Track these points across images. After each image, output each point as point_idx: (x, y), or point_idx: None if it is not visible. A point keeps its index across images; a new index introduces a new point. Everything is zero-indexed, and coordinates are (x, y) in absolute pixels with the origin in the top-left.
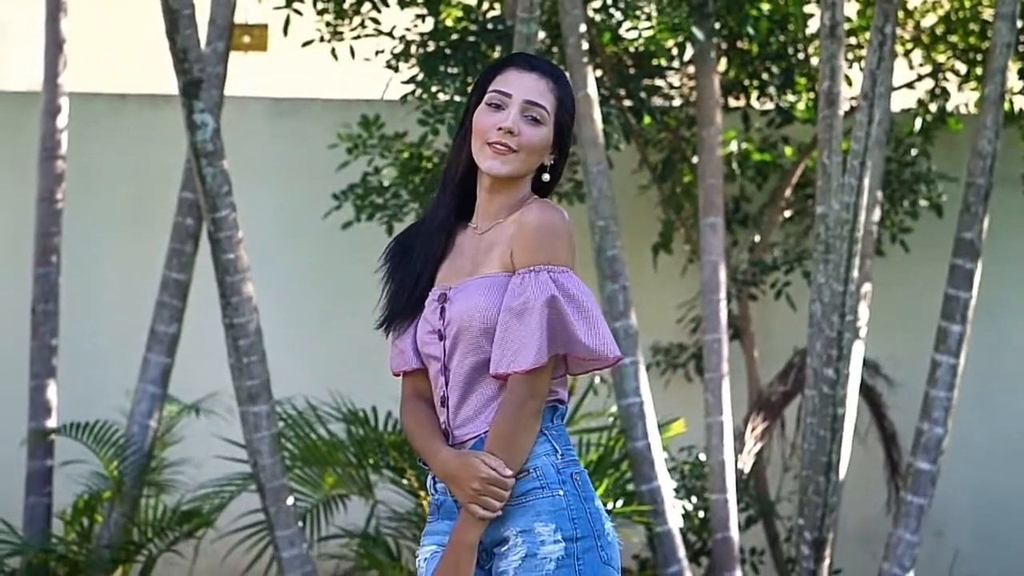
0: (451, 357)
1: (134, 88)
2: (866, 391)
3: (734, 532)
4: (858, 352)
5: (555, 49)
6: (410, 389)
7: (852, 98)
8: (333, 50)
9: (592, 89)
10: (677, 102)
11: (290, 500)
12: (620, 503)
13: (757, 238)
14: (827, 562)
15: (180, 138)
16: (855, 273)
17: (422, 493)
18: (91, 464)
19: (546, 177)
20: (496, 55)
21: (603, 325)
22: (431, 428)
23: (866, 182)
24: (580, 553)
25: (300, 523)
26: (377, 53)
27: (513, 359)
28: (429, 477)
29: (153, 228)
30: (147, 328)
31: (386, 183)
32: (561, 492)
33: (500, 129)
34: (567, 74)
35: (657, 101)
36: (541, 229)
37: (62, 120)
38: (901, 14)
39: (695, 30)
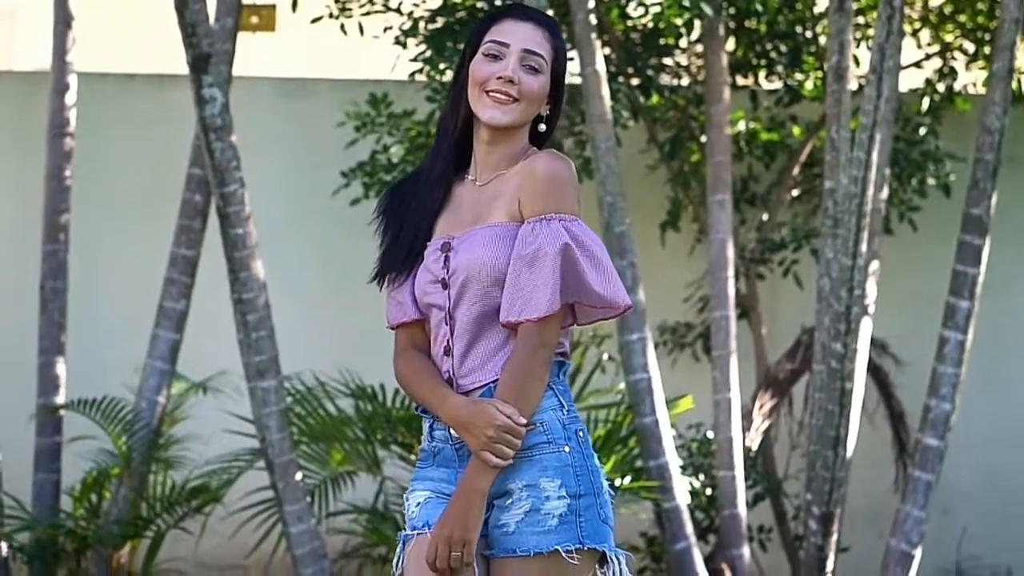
0: (457, 306)
1: (142, 68)
2: (874, 370)
3: (742, 509)
4: (866, 330)
5: (563, 26)
6: (405, 340)
7: (860, 76)
8: (342, 26)
9: (600, 65)
10: (685, 81)
11: (298, 475)
12: (628, 479)
13: (765, 217)
14: (834, 537)
15: (188, 118)
16: (863, 247)
17: None
18: (99, 441)
19: (542, 127)
20: None
21: (614, 273)
22: (434, 375)
23: (875, 156)
24: (582, 510)
25: (308, 499)
26: (385, 30)
27: (524, 307)
28: (427, 424)
29: (161, 207)
30: (154, 306)
31: (394, 160)
32: (567, 448)
33: (500, 78)
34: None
35: (665, 79)
36: (550, 178)
37: (71, 97)
38: None
39: (704, 5)
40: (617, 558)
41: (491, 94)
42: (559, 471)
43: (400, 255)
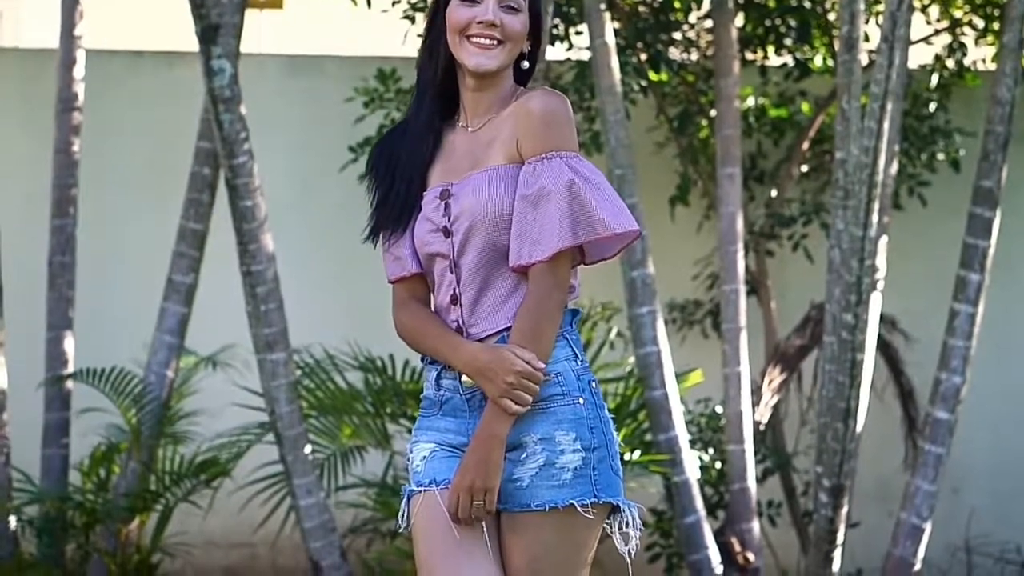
0: (462, 253)
1: (150, 45)
2: (883, 347)
3: (751, 483)
4: (875, 306)
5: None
6: (405, 293)
7: (870, 51)
8: None
9: (610, 37)
10: (694, 56)
11: (307, 448)
12: (637, 453)
13: (774, 193)
14: (845, 510)
15: (196, 95)
16: (874, 218)
17: None
18: (107, 415)
19: (525, 64)
20: None
21: (620, 202)
22: (441, 324)
23: (886, 125)
24: (596, 463)
25: (317, 472)
26: (394, 4)
27: (533, 249)
28: (432, 373)
29: (169, 182)
30: (162, 282)
31: None
32: (581, 400)
33: (481, 23)
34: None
35: (674, 54)
36: (547, 116)
37: (79, 72)
38: None
39: None
40: (629, 509)
41: (473, 39)
42: (574, 424)
43: (394, 210)
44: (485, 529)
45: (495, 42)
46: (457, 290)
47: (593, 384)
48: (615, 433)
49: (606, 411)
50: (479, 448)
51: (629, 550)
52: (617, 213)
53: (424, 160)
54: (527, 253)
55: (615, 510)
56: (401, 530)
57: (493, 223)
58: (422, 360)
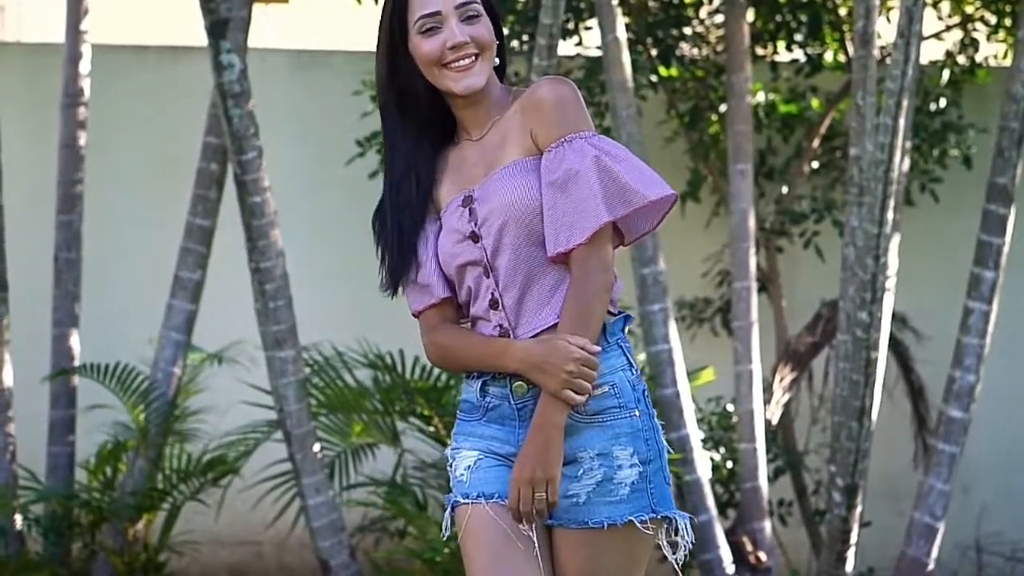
0: (497, 255)
1: (155, 40)
2: (893, 344)
3: (763, 482)
4: (887, 303)
5: None
6: (436, 318)
7: (882, 47)
8: None
9: (621, 33)
10: (704, 51)
11: (316, 447)
12: None
13: (785, 190)
14: (859, 510)
15: (201, 90)
16: (890, 215)
17: (449, 441)
18: (113, 412)
19: (496, 61)
20: (520, 4)
21: (650, 169)
22: (481, 335)
23: (901, 122)
24: (651, 476)
25: (326, 471)
26: None
27: (571, 233)
28: (475, 384)
29: (175, 178)
30: (168, 279)
31: None
32: (637, 412)
33: (453, 48)
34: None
35: (684, 49)
36: (559, 101)
37: (84, 67)
38: None
39: None
40: (681, 520)
41: (452, 65)
42: (631, 438)
43: (407, 257)
44: (537, 546)
45: (473, 58)
46: (497, 293)
47: (645, 393)
48: (664, 440)
49: (656, 418)
50: (537, 438)
51: (677, 559)
52: (649, 181)
53: (419, 209)
54: (564, 239)
55: (667, 520)
56: (443, 537)
57: (525, 216)
58: (467, 377)
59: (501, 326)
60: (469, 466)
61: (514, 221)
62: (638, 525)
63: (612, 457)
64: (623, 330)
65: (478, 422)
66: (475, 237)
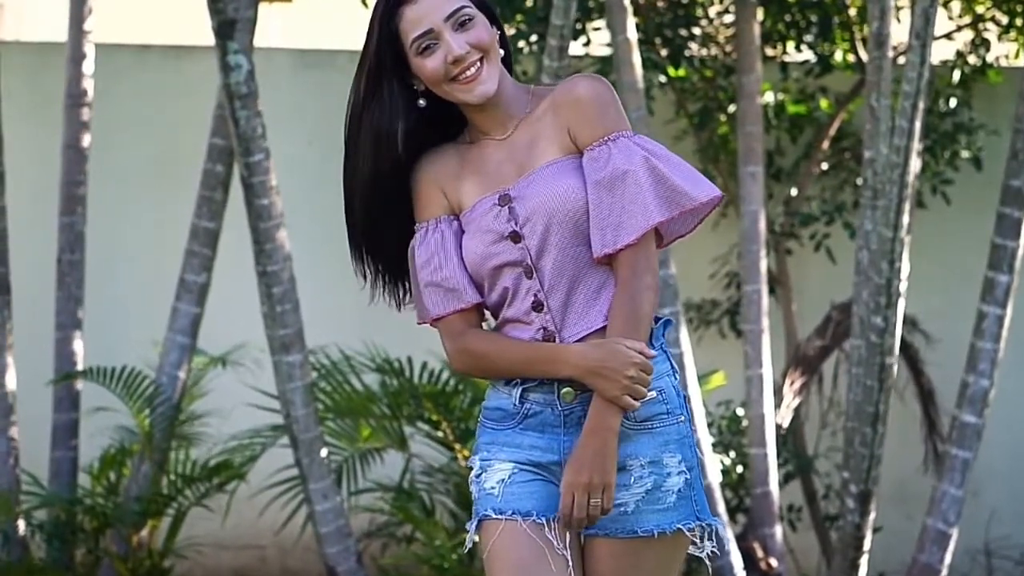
0: (542, 255)
1: (157, 39)
2: (903, 347)
3: (774, 487)
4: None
5: None
6: (462, 324)
7: (894, 48)
8: None
9: (632, 33)
10: (713, 51)
11: (323, 452)
12: None
13: (794, 191)
14: (872, 516)
15: (205, 90)
16: (905, 219)
17: (457, 447)
18: (117, 416)
19: (501, 52)
20: (529, 3)
21: (694, 170)
22: (521, 340)
23: (917, 124)
24: (694, 482)
25: (334, 476)
26: None
27: (618, 233)
28: (515, 391)
29: (179, 179)
30: (173, 281)
31: None
32: (682, 418)
33: (455, 61)
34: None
35: (693, 49)
36: (599, 99)
37: (88, 67)
38: None
39: None
40: (715, 525)
41: (460, 78)
42: (679, 445)
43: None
44: (571, 564)
45: (479, 64)
46: (541, 295)
47: (688, 399)
48: None
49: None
50: (593, 441)
51: (706, 555)
52: (696, 183)
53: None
54: (611, 239)
55: (708, 526)
56: (465, 550)
57: (572, 215)
58: (505, 383)
59: (545, 328)
60: (503, 480)
61: (560, 220)
62: (686, 533)
63: (662, 464)
64: (663, 334)
65: (512, 430)
66: (516, 237)
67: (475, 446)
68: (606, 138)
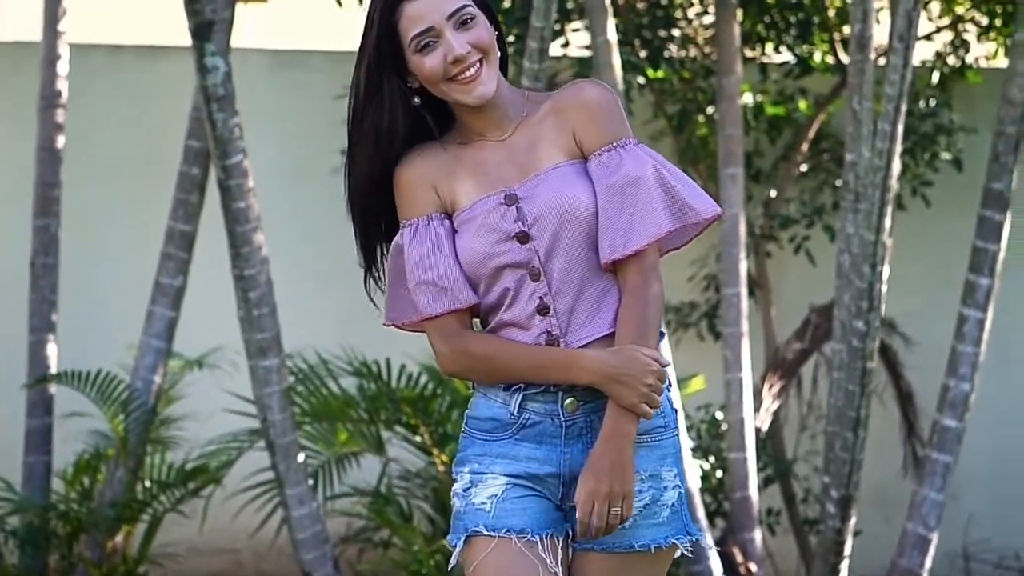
0: (551, 257)
1: (131, 39)
2: (882, 349)
3: (753, 492)
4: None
5: None
6: (457, 324)
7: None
8: None
9: (612, 35)
10: (692, 52)
11: (300, 457)
12: None
13: (773, 193)
14: (852, 521)
15: (180, 91)
16: (887, 222)
17: (435, 451)
18: (91, 421)
19: (498, 53)
20: (507, 3)
21: (696, 185)
22: (527, 344)
23: (900, 128)
24: (683, 495)
25: (310, 481)
26: None
27: (628, 239)
28: (514, 398)
29: (154, 181)
30: (148, 284)
31: None
32: (676, 432)
33: (455, 61)
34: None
35: (672, 50)
36: (607, 105)
37: (62, 68)
38: None
39: None
40: (701, 540)
41: (459, 78)
42: (675, 459)
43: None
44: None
45: (478, 65)
46: (548, 298)
47: (678, 412)
48: None
49: None
50: (611, 449)
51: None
52: (699, 197)
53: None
54: (621, 244)
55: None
56: (451, 568)
57: (583, 218)
58: (504, 388)
59: (549, 332)
60: (495, 495)
61: (570, 222)
62: (680, 547)
63: (660, 479)
64: (658, 346)
65: (508, 441)
66: (524, 237)
67: (460, 456)
68: (615, 144)
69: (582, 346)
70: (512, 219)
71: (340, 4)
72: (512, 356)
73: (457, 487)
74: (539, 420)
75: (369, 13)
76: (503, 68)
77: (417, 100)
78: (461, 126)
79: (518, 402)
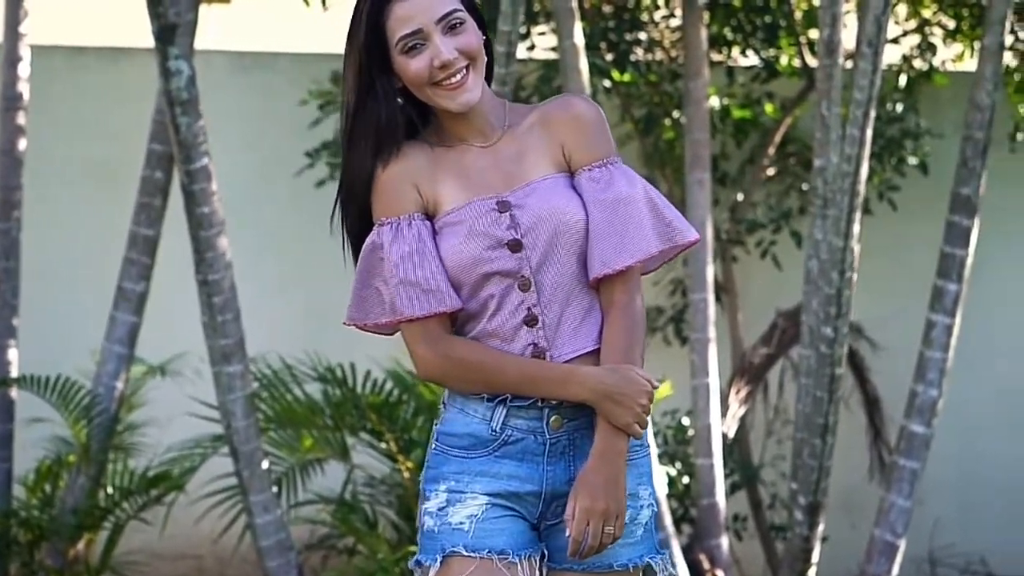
0: (543, 268)
1: (93, 41)
2: (849, 354)
3: (720, 498)
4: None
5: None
6: (440, 328)
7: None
8: None
9: (579, 39)
10: (659, 56)
11: (264, 464)
12: None
13: (740, 197)
14: (820, 527)
15: (142, 93)
16: (856, 228)
17: (400, 458)
18: (52, 426)
19: (485, 59)
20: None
21: (675, 209)
22: (518, 356)
23: (868, 133)
24: (655, 513)
25: (275, 487)
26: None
27: (617, 256)
28: (497, 412)
29: (116, 184)
30: (111, 288)
31: None
32: (651, 449)
33: (442, 66)
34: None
35: (639, 54)
36: (598, 122)
37: (23, 70)
38: None
39: None
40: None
41: (444, 84)
42: (649, 477)
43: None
44: None
45: (464, 71)
46: (536, 309)
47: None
48: None
49: None
50: (605, 467)
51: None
52: (682, 221)
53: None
54: (611, 260)
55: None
56: None
57: (574, 232)
58: (487, 399)
59: (536, 345)
60: (475, 515)
61: (563, 234)
62: (655, 567)
63: (638, 497)
64: (643, 364)
65: (487, 458)
66: (517, 246)
67: (434, 474)
68: (605, 161)
69: (567, 361)
70: (505, 226)
71: (307, 4)
72: (502, 365)
73: (430, 506)
74: (521, 437)
75: (356, 12)
76: (488, 75)
77: (400, 100)
78: (440, 129)
79: (502, 417)
